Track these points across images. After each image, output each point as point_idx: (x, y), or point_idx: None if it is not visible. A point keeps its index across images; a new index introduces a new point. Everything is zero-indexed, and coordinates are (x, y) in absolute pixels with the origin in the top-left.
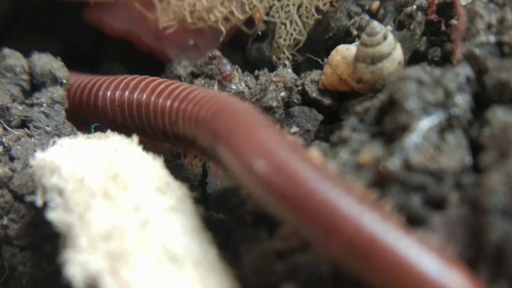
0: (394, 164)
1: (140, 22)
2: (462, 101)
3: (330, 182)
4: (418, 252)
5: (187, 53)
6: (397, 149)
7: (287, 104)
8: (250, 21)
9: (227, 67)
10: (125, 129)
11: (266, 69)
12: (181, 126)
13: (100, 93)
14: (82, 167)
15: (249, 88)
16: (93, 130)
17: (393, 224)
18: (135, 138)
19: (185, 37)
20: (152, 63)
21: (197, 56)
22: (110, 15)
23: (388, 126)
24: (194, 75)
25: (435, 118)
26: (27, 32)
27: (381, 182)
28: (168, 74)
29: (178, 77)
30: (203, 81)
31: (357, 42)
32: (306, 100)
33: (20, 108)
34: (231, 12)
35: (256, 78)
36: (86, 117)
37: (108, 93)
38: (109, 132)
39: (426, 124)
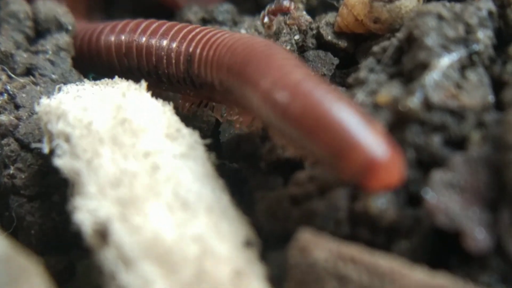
0: (413, 102)
1: None
2: (483, 37)
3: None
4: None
5: (198, 1)
6: (416, 87)
7: (302, 49)
8: None
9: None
10: (131, 76)
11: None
12: (200, 70)
13: (103, 37)
14: (89, 113)
15: (259, 33)
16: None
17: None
18: (144, 83)
19: None
20: (162, 13)
21: (208, 2)
22: None
23: (406, 65)
24: (205, 21)
25: (456, 54)
26: None
27: (400, 122)
28: (178, 21)
29: (188, 22)
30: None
31: None
32: (321, 44)
33: (25, 55)
34: None
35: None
36: (93, 65)
37: (113, 38)
38: (116, 78)
39: (446, 61)
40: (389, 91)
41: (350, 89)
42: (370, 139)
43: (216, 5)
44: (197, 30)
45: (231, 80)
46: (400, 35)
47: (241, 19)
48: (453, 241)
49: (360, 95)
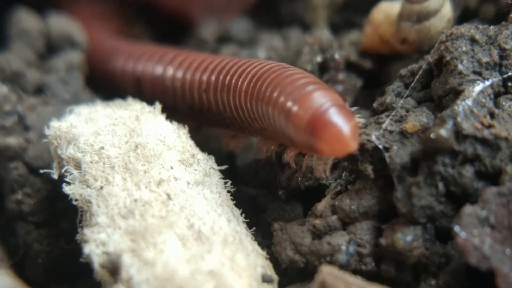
0: (444, 132)
1: None
2: None
3: None
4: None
5: (214, 14)
6: (447, 116)
7: (323, 69)
8: None
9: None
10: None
11: (295, 28)
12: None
13: (120, 64)
14: (101, 137)
15: (279, 54)
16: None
17: None
18: (158, 105)
19: None
20: (178, 27)
21: (225, 16)
22: None
23: (436, 91)
24: (221, 40)
25: (489, 81)
26: None
27: (429, 152)
28: (193, 39)
29: (204, 42)
30: (230, 51)
31: None
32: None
33: (36, 74)
34: None
35: (285, 38)
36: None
37: (130, 65)
38: (130, 99)
39: (479, 88)
40: (418, 119)
41: (376, 115)
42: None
43: (232, 20)
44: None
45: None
46: (429, 58)
47: (259, 37)
48: (485, 280)
49: (388, 122)
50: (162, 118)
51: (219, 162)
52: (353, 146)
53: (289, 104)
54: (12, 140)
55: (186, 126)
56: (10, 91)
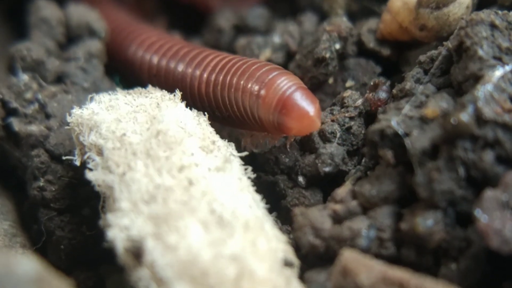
0: (465, 117)
1: None
2: None
3: None
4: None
5: (231, 3)
6: (468, 101)
7: (342, 56)
8: None
9: (383, 94)
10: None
11: (309, 13)
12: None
13: (139, 54)
14: (123, 124)
15: (294, 38)
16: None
17: None
18: (178, 93)
19: None
20: (194, 15)
21: (242, 5)
22: None
23: (456, 76)
24: (237, 29)
25: (510, 66)
26: None
27: (450, 137)
28: (209, 28)
29: (220, 31)
30: (245, 41)
31: None
32: (363, 51)
33: (56, 62)
34: None
35: (299, 24)
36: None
37: (148, 56)
38: (150, 87)
39: (499, 73)
40: (438, 104)
41: (396, 100)
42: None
43: (248, 9)
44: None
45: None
46: (449, 44)
47: (275, 25)
48: (506, 264)
49: (408, 107)
50: (182, 105)
51: (239, 149)
52: (318, 123)
53: (258, 88)
54: (34, 128)
55: (205, 113)
56: (30, 79)
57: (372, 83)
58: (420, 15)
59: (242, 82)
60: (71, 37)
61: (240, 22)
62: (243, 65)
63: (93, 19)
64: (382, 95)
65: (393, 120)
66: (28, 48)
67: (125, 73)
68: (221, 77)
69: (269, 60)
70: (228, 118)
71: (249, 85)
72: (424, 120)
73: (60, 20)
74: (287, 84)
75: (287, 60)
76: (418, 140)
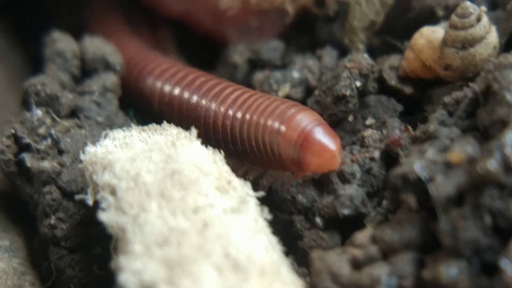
0: (492, 164)
1: (198, 2)
2: None
3: None
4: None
5: (249, 35)
6: (495, 147)
7: (362, 93)
8: (320, 0)
9: (396, 131)
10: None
11: (329, 48)
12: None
13: (151, 81)
14: (137, 163)
15: (312, 73)
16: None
17: None
18: (194, 131)
19: (247, 18)
20: (208, 47)
21: (259, 37)
22: None
23: (483, 120)
24: (252, 63)
25: None
26: (78, 8)
27: (476, 184)
28: (223, 62)
29: (234, 66)
30: (262, 75)
31: (444, 24)
32: (384, 88)
33: (70, 96)
34: None
35: (319, 59)
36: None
37: (158, 84)
38: (165, 124)
39: None
40: (463, 149)
41: (419, 143)
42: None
43: (264, 42)
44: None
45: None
46: (476, 87)
47: (291, 59)
48: None
49: (431, 151)
50: (198, 143)
51: (255, 187)
52: (338, 159)
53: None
54: (46, 164)
55: (221, 151)
56: (44, 114)
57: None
58: (445, 55)
59: (261, 118)
60: (86, 70)
61: (254, 56)
62: (262, 100)
63: (109, 52)
64: (397, 132)
65: (416, 165)
66: (43, 83)
67: (139, 105)
68: (239, 112)
69: (288, 96)
70: (245, 153)
71: (269, 121)
72: (448, 165)
73: (75, 53)
74: (307, 120)
75: (306, 95)
76: (443, 187)
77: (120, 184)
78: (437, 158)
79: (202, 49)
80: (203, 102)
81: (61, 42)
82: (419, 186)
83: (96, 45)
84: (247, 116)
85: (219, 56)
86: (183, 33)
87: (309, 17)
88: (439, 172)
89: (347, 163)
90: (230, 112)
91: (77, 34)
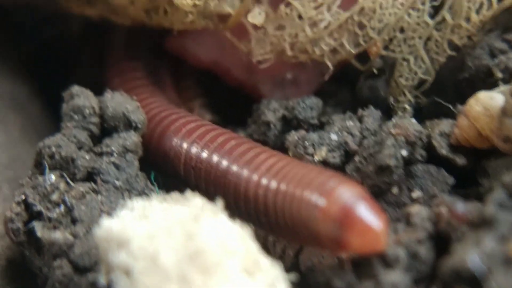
0: None
1: (229, 53)
2: None
3: None
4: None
5: (284, 89)
6: None
7: (408, 161)
8: (362, 54)
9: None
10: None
11: (372, 108)
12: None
13: (174, 141)
14: (156, 241)
15: (353, 136)
16: (153, 181)
17: None
18: (220, 202)
19: (282, 71)
20: (240, 99)
21: (295, 92)
22: (195, 44)
23: None
24: (286, 121)
25: None
26: (98, 60)
27: None
28: (254, 119)
29: (266, 124)
30: (297, 136)
31: (503, 88)
32: (433, 157)
33: (87, 157)
34: (341, 45)
35: (360, 120)
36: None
37: (185, 145)
38: (188, 193)
39: None
40: None
41: (474, 229)
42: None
43: (300, 99)
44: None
45: None
46: None
47: (329, 118)
48: None
49: (489, 241)
50: (224, 217)
51: (292, 266)
52: (383, 240)
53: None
54: (58, 235)
55: (251, 225)
56: (58, 178)
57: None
58: (505, 126)
59: (298, 189)
60: (105, 128)
61: (289, 113)
62: (299, 168)
63: (131, 109)
64: (460, 208)
65: (470, 258)
66: (57, 144)
67: (161, 167)
68: (274, 181)
69: (325, 160)
70: (278, 227)
71: (307, 193)
72: (509, 259)
73: (94, 110)
74: (350, 194)
75: (345, 161)
76: (501, 284)
77: (137, 264)
78: (496, 250)
79: (231, 102)
80: (234, 168)
81: (80, 97)
82: (473, 281)
83: (117, 101)
84: (282, 186)
85: (250, 112)
86: (210, 84)
87: (350, 71)
88: (498, 267)
89: (391, 245)
90: (264, 181)
91: (97, 88)
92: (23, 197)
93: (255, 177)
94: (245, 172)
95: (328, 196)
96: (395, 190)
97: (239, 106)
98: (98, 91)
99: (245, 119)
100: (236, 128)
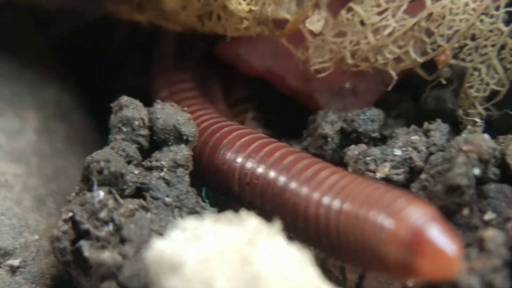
0: None
1: (284, 60)
2: None
3: None
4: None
5: (342, 99)
6: None
7: (480, 180)
8: (429, 63)
9: None
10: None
11: (439, 122)
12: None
13: (227, 155)
14: (210, 266)
15: (418, 151)
16: (205, 197)
17: None
18: (277, 224)
19: (341, 80)
20: (294, 109)
21: (354, 103)
22: (248, 50)
23: None
24: (344, 134)
25: None
26: (145, 67)
27: None
28: (310, 131)
29: (324, 137)
30: (357, 150)
31: None
32: (507, 176)
33: (136, 172)
34: (406, 53)
35: (426, 134)
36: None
37: (239, 160)
38: (243, 212)
39: None
40: None
41: None
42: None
43: (360, 111)
44: None
45: None
46: None
47: (392, 131)
48: None
49: None
50: (281, 240)
51: None
52: (456, 267)
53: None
54: (106, 255)
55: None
56: (106, 195)
57: None
58: None
59: (363, 209)
60: (155, 141)
61: (348, 126)
62: (364, 187)
63: (182, 121)
64: None
65: None
66: (107, 159)
67: (212, 182)
68: (337, 200)
69: (388, 177)
70: (339, 249)
71: (373, 214)
72: None
73: (144, 122)
74: (421, 214)
75: (410, 178)
76: None
77: None
78: None
79: (284, 112)
80: (293, 185)
81: (129, 108)
82: None
83: (167, 113)
84: (346, 206)
85: (305, 123)
86: (263, 94)
87: (413, 79)
88: None
89: (463, 273)
90: (326, 199)
91: (143, 97)
92: (71, 214)
93: (316, 195)
94: (305, 190)
95: (396, 217)
96: (465, 211)
97: (292, 117)
98: (143, 101)
99: (299, 131)
100: (290, 141)
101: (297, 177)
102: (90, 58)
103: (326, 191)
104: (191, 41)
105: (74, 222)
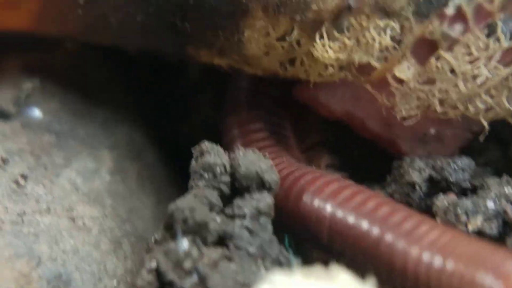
0: None
1: (365, 104)
2: None
3: None
4: None
5: (426, 145)
6: None
7: None
8: None
9: None
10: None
11: None
12: None
13: (316, 203)
14: None
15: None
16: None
17: None
18: (371, 279)
19: (425, 126)
20: (372, 152)
21: (439, 149)
22: (327, 93)
23: None
24: (433, 183)
25: None
26: (216, 108)
27: None
28: (396, 177)
29: (411, 185)
30: (447, 200)
31: None
32: None
33: (218, 220)
34: (499, 103)
35: None
36: (289, 219)
37: (329, 208)
38: (334, 267)
39: None
40: None
41: None
42: None
43: (448, 159)
44: None
45: None
46: None
47: (483, 181)
48: None
49: None
50: None
51: None
52: None
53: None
54: None
55: None
56: (191, 244)
57: None
58: None
59: (469, 269)
60: (236, 188)
61: (437, 174)
62: (469, 245)
63: (265, 168)
64: None
65: None
66: (192, 208)
67: (296, 231)
68: (438, 257)
69: (480, 231)
70: None
71: (479, 275)
72: None
73: (226, 168)
74: None
75: (504, 232)
76: None
77: None
78: None
79: (362, 156)
80: (389, 237)
81: (210, 154)
82: None
83: (249, 159)
84: (449, 265)
85: (384, 167)
86: (339, 136)
87: (499, 126)
88: None
89: None
90: (426, 256)
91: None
92: (155, 264)
93: (415, 251)
94: (402, 244)
95: (506, 280)
96: None
97: (370, 161)
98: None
99: (378, 175)
100: (372, 185)
101: (394, 230)
102: (159, 96)
103: (426, 247)
104: (264, 89)
105: (158, 273)
